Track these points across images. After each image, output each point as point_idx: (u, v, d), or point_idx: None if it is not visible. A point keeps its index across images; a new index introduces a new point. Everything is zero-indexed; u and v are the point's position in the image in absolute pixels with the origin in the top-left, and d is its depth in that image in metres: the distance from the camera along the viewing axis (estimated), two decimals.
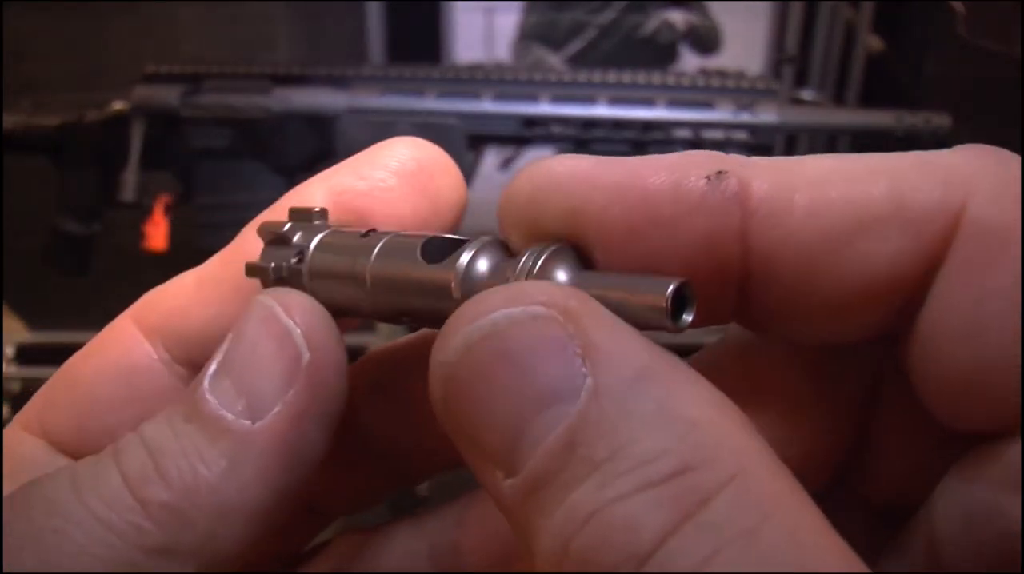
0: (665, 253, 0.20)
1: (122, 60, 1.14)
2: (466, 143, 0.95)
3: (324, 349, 0.23)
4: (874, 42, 1.27)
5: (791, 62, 1.31)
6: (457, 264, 0.22)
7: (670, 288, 0.19)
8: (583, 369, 0.18)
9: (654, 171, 0.20)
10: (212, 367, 0.23)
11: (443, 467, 0.29)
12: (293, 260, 0.25)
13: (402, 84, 0.96)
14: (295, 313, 0.23)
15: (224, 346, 0.23)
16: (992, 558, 0.19)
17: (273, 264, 0.25)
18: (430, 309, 0.23)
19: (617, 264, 0.21)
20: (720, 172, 0.20)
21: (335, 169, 0.27)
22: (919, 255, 0.19)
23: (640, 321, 0.20)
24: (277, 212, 0.26)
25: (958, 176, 0.19)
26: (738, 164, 0.20)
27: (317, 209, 0.26)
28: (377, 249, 0.24)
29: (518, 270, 0.21)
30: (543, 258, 0.21)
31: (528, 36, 1.33)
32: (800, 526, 0.16)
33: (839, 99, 1.29)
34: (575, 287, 0.20)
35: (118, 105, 0.99)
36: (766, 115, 0.92)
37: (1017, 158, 0.20)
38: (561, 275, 0.21)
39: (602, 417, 0.17)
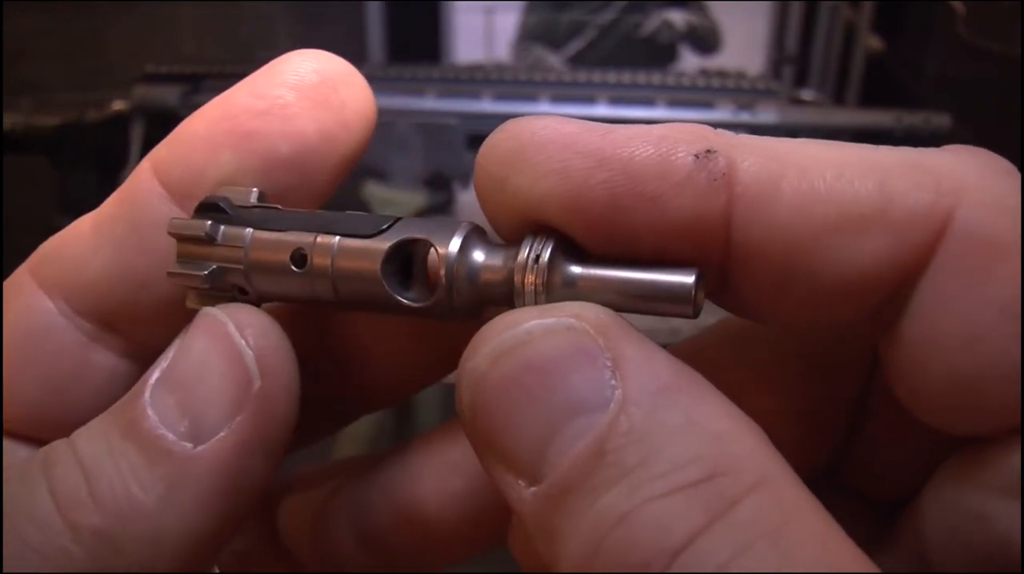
0: (645, 230, 0.20)
1: (122, 60, 1.14)
2: (466, 143, 0.95)
3: (277, 375, 0.22)
4: (874, 42, 1.27)
5: (791, 62, 1.31)
6: (446, 253, 0.21)
7: (693, 277, 0.20)
8: (612, 381, 0.18)
9: (641, 143, 0.20)
10: (154, 376, 0.22)
11: (384, 405, 0.29)
12: (225, 264, 0.23)
13: (402, 84, 0.96)
14: (249, 333, 0.22)
15: (168, 356, 0.22)
16: (983, 563, 0.19)
17: (206, 272, 0.23)
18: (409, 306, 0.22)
19: (595, 238, 0.21)
20: (709, 151, 0.20)
21: (231, 90, 0.25)
22: (902, 257, 0.19)
23: (660, 309, 0.20)
24: (176, 143, 0.25)
25: (949, 181, 0.19)
26: (727, 143, 0.20)
27: (225, 201, 0.24)
28: (336, 247, 0.22)
29: (523, 261, 0.21)
30: (549, 250, 0.21)
31: (528, 36, 1.33)
32: (819, 528, 0.17)
33: (839, 99, 1.28)
34: (590, 277, 0.21)
35: (118, 105, 0.99)
36: (766, 115, 0.92)
37: (1008, 164, 0.20)
38: (575, 269, 0.21)
39: (632, 426, 0.18)
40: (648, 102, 0.93)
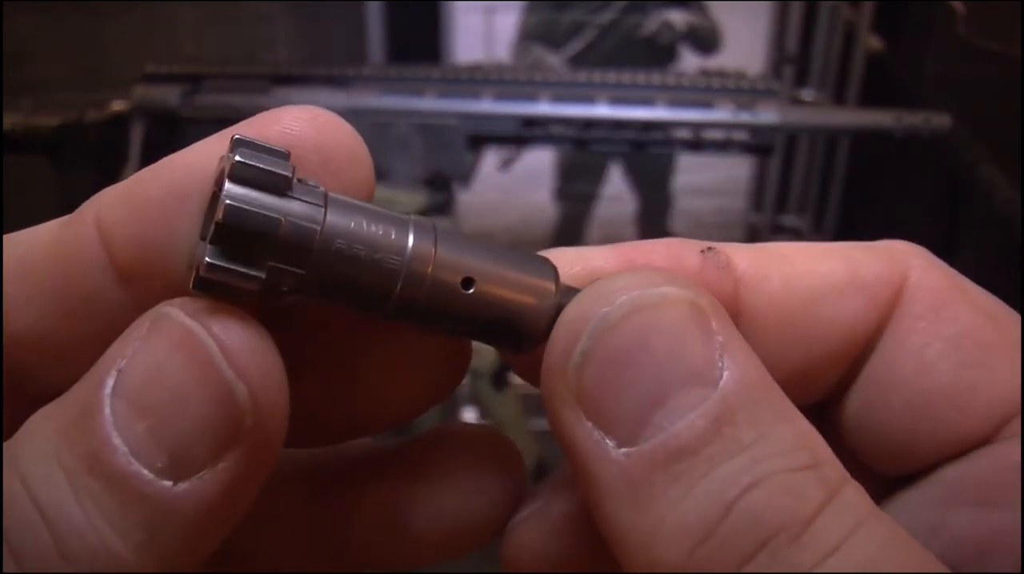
0: None
1: (122, 60, 1.14)
2: (466, 143, 0.95)
3: (271, 407, 0.19)
4: (874, 42, 1.27)
5: (791, 62, 1.31)
6: (557, 269, 0.22)
7: None
8: (720, 362, 0.19)
9: (653, 249, 0.23)
10: (108, 386, 0.18)
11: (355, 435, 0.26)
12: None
13: (402, 84, 0.96)
14: (239, 360, 0.18)
15: (124, 354, 0.18)
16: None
17: (284, 219, 0.19)
18: (517, 313, 0.21)
19: None
20: (710, 248, 0.23)
21: (199, 153, 0.20)
22: (872, 316, 0.23)
23: None
24: (131, 209, 0.20)
25: (897, 254, 0.24)
26: (720, 244, 0.24)
27: (281, 149, 0.19)
28: (441, 232, 0.20)
29: None
30: None
31: (528, 36, 1.33)
32: (894, 521, 0.19)
33: (839, 99, 1.28)
34: None
35: (118, 105, 0.99)
36: (766, 115, 0.92)
37: (928, 252, 0.24)
38: None
39: (742, 406, 0.19)
40: (648, 102, 0.93)
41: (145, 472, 0.18)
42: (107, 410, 0.18)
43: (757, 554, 0.18)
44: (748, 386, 0.19)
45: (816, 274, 0.23)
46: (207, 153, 0.20)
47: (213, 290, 0.19)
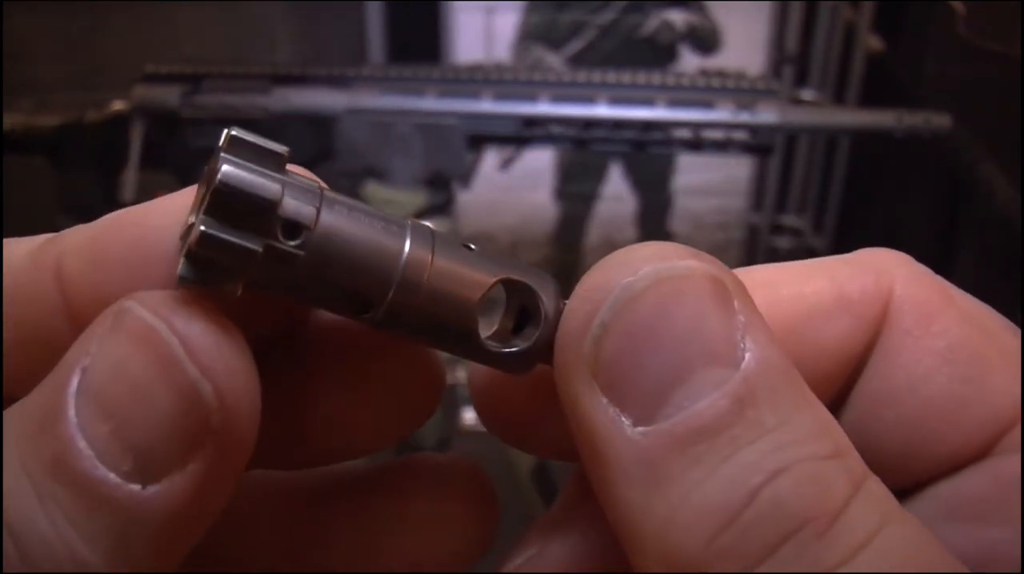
0: None
1: (122, 60, 1.14)
2: (466, 143, 0.95)
3: (239, 405, 0.18)
4: (874, 42, 1.27)
5: (791, 62, 1.31)
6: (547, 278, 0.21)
7: None
8: (742, 343, 0.19)
9: None
10: (72, 385, 0.18)
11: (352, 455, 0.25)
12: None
13: (402, 84, 0.96)
14: (203, 356, 0.18)
15: (88, 352, 0.18)
16: None
17: (284, 188, 0.18)
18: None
19: None
20: None
21: (164, 209, 0.20)
22: (862, 333, 0.22)
23: None
24: (96, 266, 0.20)
25: (882, 267, 0.23)
26: None
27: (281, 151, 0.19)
28: (438, 238, 0.20)
29: None
30: None
31: (528, 36, 1.33)
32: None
33: (839, 99, 1.28)
34: None
35: (118, 105, 0.99)
36: (766, 115, 0.92)
37: (913, 260, 0.23)
38: None
39: (764, 388, 0.18)
40: (648, 102, 0.93)
41: (112, 476, 0.17)
42: (71, 411, 0.17)
43: (782, 546, 0.17)
44: (770, 369, 0.18)
45: (802, 297, 0.22)
46: (172, 209, 0.20)
47: (202, 274, 0.18)
